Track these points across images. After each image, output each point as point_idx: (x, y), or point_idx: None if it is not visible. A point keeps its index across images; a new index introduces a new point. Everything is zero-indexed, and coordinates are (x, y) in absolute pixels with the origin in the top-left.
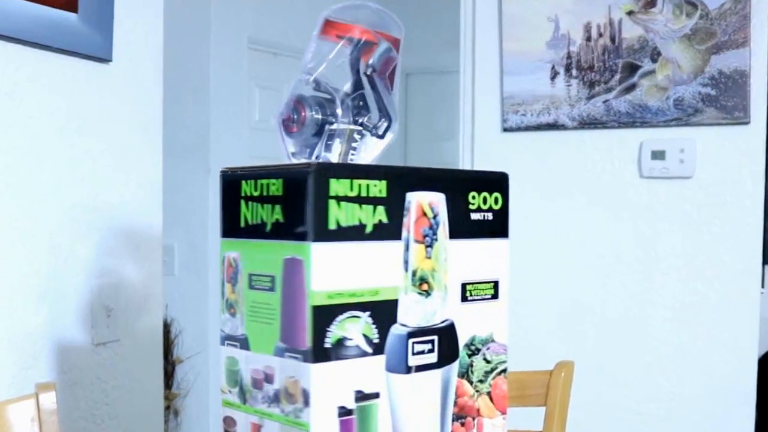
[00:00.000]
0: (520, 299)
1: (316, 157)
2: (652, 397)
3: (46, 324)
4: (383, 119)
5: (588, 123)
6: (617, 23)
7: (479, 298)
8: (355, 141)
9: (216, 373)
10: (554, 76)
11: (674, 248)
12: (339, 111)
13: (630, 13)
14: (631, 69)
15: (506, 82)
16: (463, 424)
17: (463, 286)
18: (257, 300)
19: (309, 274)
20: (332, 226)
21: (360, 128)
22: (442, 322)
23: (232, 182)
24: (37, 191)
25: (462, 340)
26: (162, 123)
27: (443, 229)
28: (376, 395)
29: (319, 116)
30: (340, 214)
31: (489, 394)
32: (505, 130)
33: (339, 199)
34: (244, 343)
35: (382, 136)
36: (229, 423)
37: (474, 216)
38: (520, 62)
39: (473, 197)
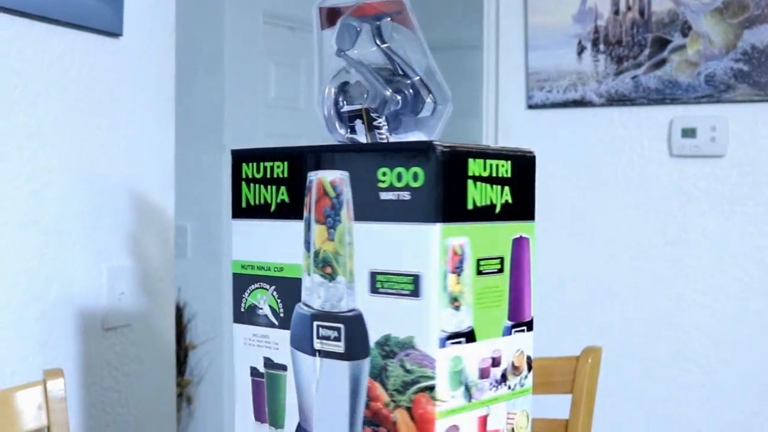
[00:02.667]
0: (546, 282)
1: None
2: (683, 384)
3: (54, 308)
4: (379, 96)
5: (616, 100)
6: None
7: (393, 292)
8: (375, 120)
9: (232, 360)
10: (581, 51)
11: (705, 230)
12: (331, 92)
13: None
14: (661, 44)
15: (531, 57)
16: None
17: (373, 275)
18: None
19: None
20: (244, 205)
21: (359, 109)
22: (349, 311)
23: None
24: (45, 171)
25: (373, 336)
26: (174, 100)
27: (347, 210)
28: (284, 368)
29: (332, 99)
30: (249, 195)
31: (409, 410)
32: (530, 107)
33: (248, 180)
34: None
35: (381, 114)
36: None
37: (384, 196)
38: (545, 37)
39: (384, 174)
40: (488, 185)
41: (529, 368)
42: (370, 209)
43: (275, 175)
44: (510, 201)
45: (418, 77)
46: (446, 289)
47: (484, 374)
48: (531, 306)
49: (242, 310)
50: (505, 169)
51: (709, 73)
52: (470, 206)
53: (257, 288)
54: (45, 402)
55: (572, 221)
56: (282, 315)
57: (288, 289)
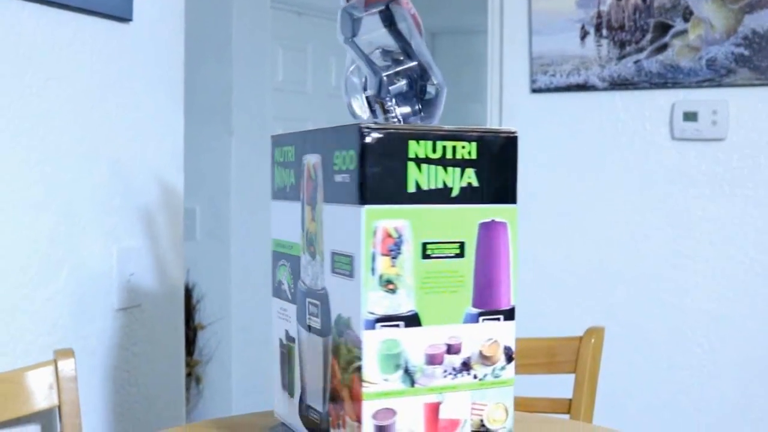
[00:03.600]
0: (549, 264)
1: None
2: (686, 364)
3: (64, 289)
4: (376, 81)
5: (618, 84)
6: None
7: (341, 272)
8: (387, 104)
9: (239, 339)
10: (584, 35)
11: (706, 212)
12: (350, 79)
13: None
14: (663, 28)
15: (535, 42)
16: (335, 408)
17: (332, 255)
18: None
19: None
20: (275, 187)
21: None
22: (321, 289)
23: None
24: (55, 154)
25: (332, 315)
26: (183, 83)
27: (320, 192)
28: (294, 341)
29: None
30: (277, 177)
31: (350, 389)
32: (534, 91)
33: (278, 164)
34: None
35: (382, 97)
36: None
37: (337, 178)
38: (549, 22)
39: (336, 157)
40: (440, 167)
41: (509, 359)
42: (331, 191)
43: (288, 159)
44: (475, 183)
45: (416, 61)
46: (375, 271)
47: (433, 360)
48: (511, 294)
49: (275, 285)
50: (467, 150)
51: (710, 58)
52: (412, 189)
53: (281, 264)
54: (56, 381)
55: (574, 203)
56: (293, 290)
57: (297, 267)
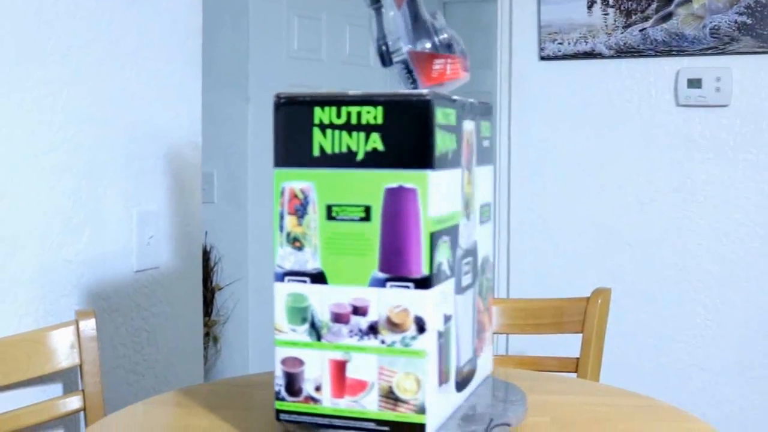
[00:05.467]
0: (557, 227)
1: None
2: (690, 324)
3: (85, 251)
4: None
5: (625, 51)
6: None
7: None
8: (402, 72)
9: (256, 301)
10: (591, 4)
11: (710, 176)
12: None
13: None
14: None
15: (543, 10)
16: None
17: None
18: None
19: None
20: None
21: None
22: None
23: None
24: (77, 119)
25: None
26: (201, 51)
27: None
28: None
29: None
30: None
31: None
32: (543, 58)
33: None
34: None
35: (386, 64)
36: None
37: None
38: None
39: None
40: (344, 132)
41: (420, 329)
42: None
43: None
44: (380, 148)
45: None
46: (283, 228)
47: (339, 319)
48: (422, 262)
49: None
50: (372, 115)
51: (714, 26)
52: (316, 153)
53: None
54: (77, 341)
55: (581, 168)
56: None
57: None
